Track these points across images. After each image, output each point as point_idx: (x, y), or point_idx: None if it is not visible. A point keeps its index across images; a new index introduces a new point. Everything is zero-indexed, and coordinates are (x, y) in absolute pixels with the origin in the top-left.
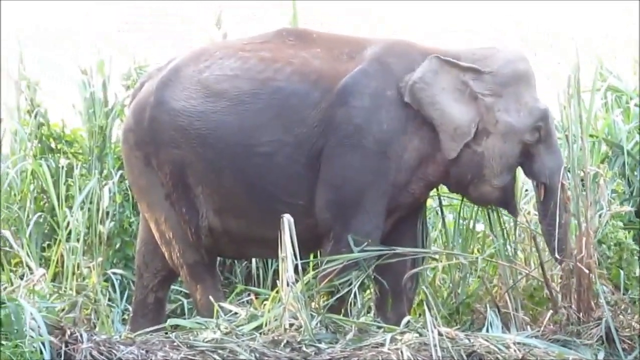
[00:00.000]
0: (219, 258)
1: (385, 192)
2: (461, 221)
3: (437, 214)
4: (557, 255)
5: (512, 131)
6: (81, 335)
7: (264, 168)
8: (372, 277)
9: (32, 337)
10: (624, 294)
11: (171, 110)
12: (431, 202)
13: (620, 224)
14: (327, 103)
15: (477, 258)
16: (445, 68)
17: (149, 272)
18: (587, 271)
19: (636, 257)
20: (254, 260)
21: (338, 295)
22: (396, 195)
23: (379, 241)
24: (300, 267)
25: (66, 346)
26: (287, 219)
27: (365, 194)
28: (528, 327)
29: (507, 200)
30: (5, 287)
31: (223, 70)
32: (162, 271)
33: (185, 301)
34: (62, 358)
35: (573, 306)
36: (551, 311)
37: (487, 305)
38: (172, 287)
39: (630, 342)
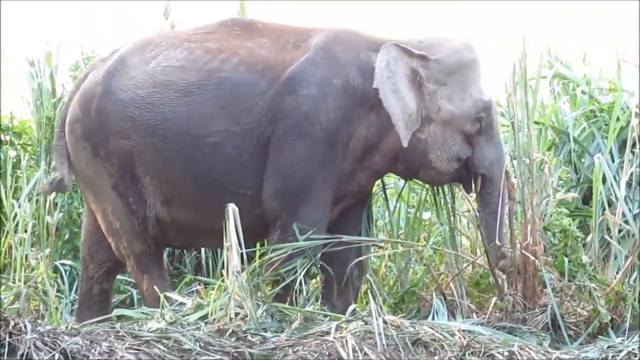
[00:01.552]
0: (168, 248)
1: (332, 181)
2: (407, 209)
3: (385, 201)
4: (497, 242)
5: (453, 119)
6: (25, 326)
7: (212, 158)
8: (319, 265)
9: None
10: (569, 281)
11: (119, 101)
12: (377, 190)
13: (566, 210)
14: (274, 92)
15: (423, 246)
16: (401, 55)
17: (94, 264)
18: (532, 258)
19: (580, 245)
20: (203, 250)
21: (284, 284)
22: (342, 184)
23: (325, 230)
24: (245, 257)
25: (10, 337)
26: (232, 208)
27: (313, 183)
28: (474, 314)
29: (461, 179)
30: None
31: (169, 61)
32: (107, 262)
33: (134, 292)
34: (6, 349)
35: (519, 293)
36: (496, 298)
37: (433, 293)
38: (121, 277)
39: (575, 329)
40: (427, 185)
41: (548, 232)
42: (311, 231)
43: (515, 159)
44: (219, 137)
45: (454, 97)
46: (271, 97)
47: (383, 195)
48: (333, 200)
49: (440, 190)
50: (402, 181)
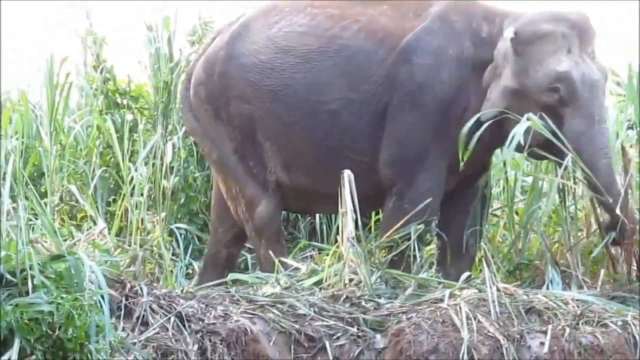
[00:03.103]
0: (283, 213)
1: (446, 150)
2: (523, 178)
3: (500, 170)
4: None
5: (527, 91)
6: (141, 289)
7: (330, 125)
8: (435, 232)
9: (91, 290)
10: None
11: (241, 65)
12: (494, 159)
13: None
14: (391, 60)
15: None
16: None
17: (223, 228)
18: None
19: None
20: (317, 215)
21: (398, 251)
22: (457, 154)
23: (440, 198)
24: (360, 223)
25: (126, 299)
26: (348, 175)
27: (427, 152)
28: (588, 284)
29: (553, 151)
30: (66, 240)
31: (292, 26)
32: (235, 227)
33: (248, 256)
34: (122, 311)
35: (634, 264)
36: (610, 269)
37: (547, 263)
38: None
39: None
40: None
41: None
42: (427, 199)
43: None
44: (337, 105)
45: (529, 68)
46: (388, 65)
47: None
48: (449, 170)
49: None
50: None
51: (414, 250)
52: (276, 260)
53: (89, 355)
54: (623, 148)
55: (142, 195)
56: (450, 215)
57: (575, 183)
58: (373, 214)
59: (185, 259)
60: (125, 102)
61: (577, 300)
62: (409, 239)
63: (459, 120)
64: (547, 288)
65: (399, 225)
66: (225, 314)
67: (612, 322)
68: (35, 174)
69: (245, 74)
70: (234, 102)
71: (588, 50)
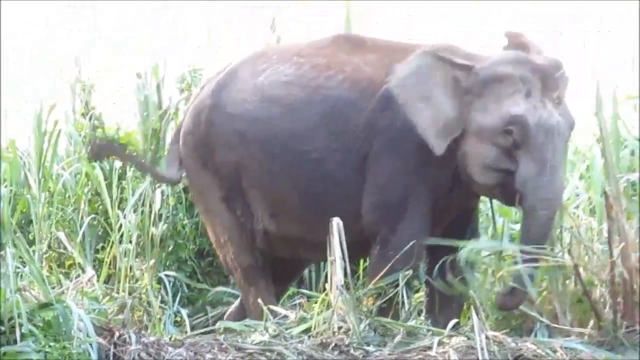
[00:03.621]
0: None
1: (429, 194)
2: (511, 225)
3: (488, 217)
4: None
5: (483, 132)
6: (130, 337)
7: (315, 174)
8: (423, 279)
9: (80, 338)
10: None
11: (227, 115)
12: (482, 206)
13: None
14: (371, 108)
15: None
16: (439, 64)
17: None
18: (635, 277)
19: None
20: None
21: (386, 298)
22: (441, 197)
23: (424, 245)
24: (349, 270)
25: (115, 347)
26: (337, 222)
27: (409, 197)
28: (576, 331)
29: (500, 199)
30: (54, 288)
31: (278, 75)
32: None
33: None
34: (111, 359)
35: (619, 311)
36: (595, 317)
37: (535, 310)
38: (225, 289)
39: None
40: None
41: None
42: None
43: (607, 178)
44: (320, 153)
45: (487, 109)
46: (368, 113)
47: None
48: (435, 214)
49: None
50: None
51: (403, 297)
52: (265, 308)
53: None
54: (606, 194)
55: (130, 242)
56: (438, 261)
57: (561, 232)
58: (361, 261)
59: (173, 306)
60: None
61: (565, 348)
62: (397, 286)
63: (440, 164)
64: (536, 336)
65: (383, 272)
66: None
67: None
68: (23, 222)
69: (230, 123)
70: (220, 151)
71: (552, 96)
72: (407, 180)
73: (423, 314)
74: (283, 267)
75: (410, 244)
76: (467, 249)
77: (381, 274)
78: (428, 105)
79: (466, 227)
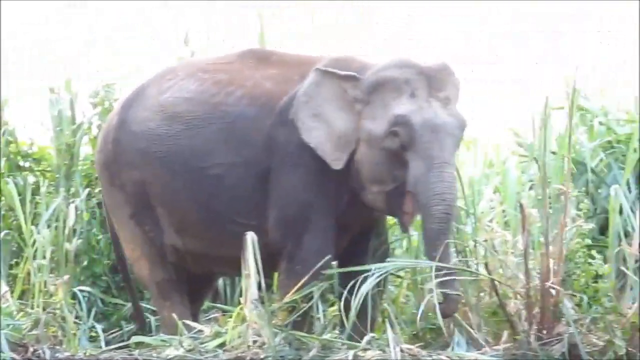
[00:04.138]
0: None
1: (330, 208)
2: None
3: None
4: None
5: (373, 138)
6: (44, 352)
7: (216, 189)
8: (338, 293)
9: None
10: (585, 312)
11: (132, 133)
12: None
13: (588, 241)
14: (270, 123)
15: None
16: (326, 79)
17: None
18: (551, 290)
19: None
20: (221, 277)
21: (300, 312)
22: (343, 210)
23: (332, 256)
24: (263, 285)
25: None
26: (251, 237)
27: (311, 212)
28: (491, 344)
29: (394, 212)
30: None
31: (181, 92)
32: None
33: (152, 318)
34: None
35: (534, 323)
36: (510, 330)
37: (451, 324)
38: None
39: (591, 359)
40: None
41: (569, 262)
42: (317, 259)
43: (531, 189)
44: (221, 169)
45: (375, 115)
46: (268, 128)
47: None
48: (340, 227)
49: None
50: None
51: (317, 310)
52: (179, 323)
53: None
54: (522, 206)
55: (44, 258)
56: (350, 274)
57: (475, 245)
58: (277, 274)
59: (88, 321)
60: (27, 164)
61: None
62: (310, 300)
63: (339, 177)
64: (452, 349)
65: (297, 287)
66: None
67: None
68: None
69: (134, 141)
70: (125, 169)
71: (439, 96)
72: (307, 195)
73: (338, 328)
74: (196, 282)
75: (318, 258)
76: (379, 268)
77: (295, 288)
78: (320, 123)
79: (369, 239)
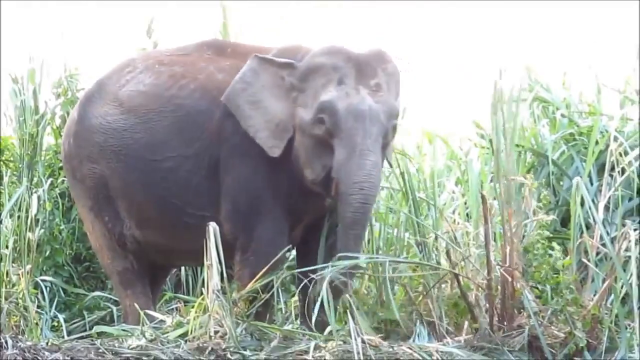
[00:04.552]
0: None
1: (280, 198)
2: (388, 229)
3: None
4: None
5: (304, 125)
6: (6, 342)
7: (168, 182)
8: (297, 283)
9: None
10: (545, 303)
11: (90, 127)
12: None
13: (547, 233)
14: (219, 115)
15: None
16: (263, 66)
17: None
18: (510, 279)
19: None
20: (183, 268)
21: (260, 301)
22: (294, 200)
23: (284, 246)
24: (225, 275)
25: None
26: (213, 227)
27: (260, 202)
28: (452, 335)
29: (331, 197)
30: None
31: (137, 85)
32: None
33: (114, 308)
34: None
35: (495, 315)
36: (471, 321)
37: (413, 315)
38: (101, 294)
39: (552, 351)
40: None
41: (528, 254)
42: (270, 249)
43: (492, 181)
44: (173, 162)
45: (307, 103)
46: (217, 120)
47: None
48: (292, 217)
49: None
50: (381, 200)
51: (279, 301)
52: (141, 313)
53: None
54: (483, 197)
55: (7, 247)
56: (308, 263)
57: (436, 239)
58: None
59: (50, 311)
60: None
61: (441, 352)
62: (270, 290)
63: (283, 166)
64: (414, 340)
65: (256, 278)
66: None
67: None
68: None
69: (92, 135)
70: (85, 163)
71: (369, 83)
72: (254, 186)
73: (299, 319)
74: (153, 271)
75: (270, 248)
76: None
77: (255, 279)
78: (257, 110)
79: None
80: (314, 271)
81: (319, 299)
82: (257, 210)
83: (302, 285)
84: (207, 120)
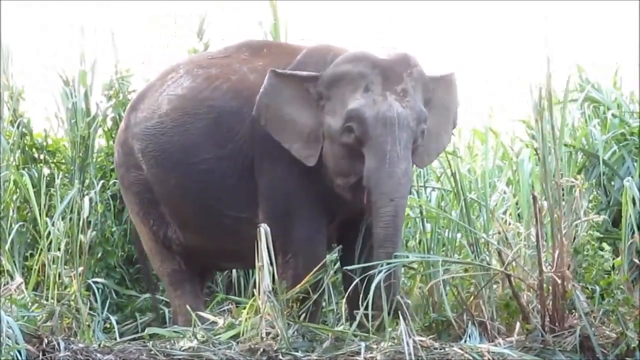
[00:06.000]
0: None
1: (315, 197)
2: (439, 230)
3: (417, 222)
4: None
5: (332, 133)
6: (58, 344)
7: (205, 184)
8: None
9: (8, 345)
10: (597, 304)
11: (134, 135)
12: (409, 212)
13: (597, 234)
14: (251, 117)
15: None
16: (285, 80)
17: None
18: (561, 280)
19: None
20: (234, 269)
21: (309, 302)
22: (329, 199)
23: (323, 244)
24: (277, 277)
25: (43, 355)
26: (264, 228)
27: (295, 203)
28: (504, 336)
29: (361, 203)
30: None
31: (176, 89)
32: None
33: (166, 310)
34: None
35: (547, 315)
36: (523, 321)
37: (464, 315)
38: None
39: (604, 351)
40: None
41: (578, 254)
42: (308, 249)
43: (543, 183)
44: (208, 164)
45: (335, 110)
46: (249, 122)
47: (418, 217)
48: (327, 216)
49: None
50: (432, 200)
51: (330, 302)
52: (193, 314)
53: None
54: (534, 198)
55: (59, 249)
56: (350, 261)
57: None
58: None
59: (102, 313)
60: (42, 156)
61: (492, 352)
62: (318, 290)
63: (316, 169)
64: (465, 341)
65: (305, 281)
66: None
67: None
68: None
69: (135, 142)
70: (131, 170)
71: (395, 89)
72: (288, 188)
73: (348, 320)
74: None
75: (309, 248)
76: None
77: (304, 281)
78: (285, 123)
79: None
80: (362, 271)
81: (368, 299)
82: (293, 211)
83: (352, 285)
84: (239, 122)
